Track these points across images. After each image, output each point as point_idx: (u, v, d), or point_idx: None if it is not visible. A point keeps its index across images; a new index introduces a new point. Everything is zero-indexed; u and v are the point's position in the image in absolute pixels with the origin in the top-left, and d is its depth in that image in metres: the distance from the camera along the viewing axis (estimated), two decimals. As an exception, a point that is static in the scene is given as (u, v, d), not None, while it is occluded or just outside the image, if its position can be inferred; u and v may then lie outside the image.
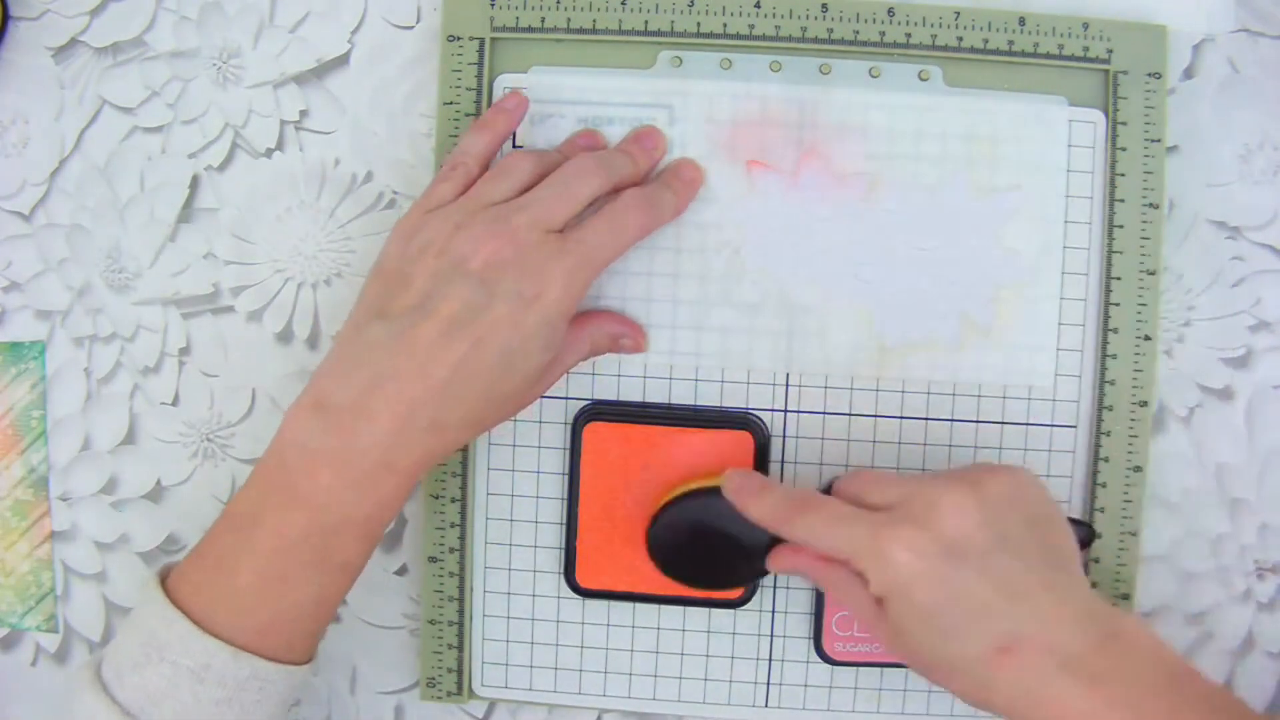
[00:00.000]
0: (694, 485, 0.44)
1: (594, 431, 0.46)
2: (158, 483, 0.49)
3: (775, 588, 0.47)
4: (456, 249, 0.40)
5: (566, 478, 0.47)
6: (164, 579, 0.40)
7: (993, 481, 0.38)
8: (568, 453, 0.47)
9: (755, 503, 0.41)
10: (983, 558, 0.37)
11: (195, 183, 0.48)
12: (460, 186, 0.43)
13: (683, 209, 0.45)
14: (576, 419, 0.46)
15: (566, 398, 0.47)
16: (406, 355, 0.38)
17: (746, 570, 0.43)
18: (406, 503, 0.48)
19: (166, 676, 0.38)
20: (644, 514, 0.45)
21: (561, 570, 0.47)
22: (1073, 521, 0.44)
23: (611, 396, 0.47)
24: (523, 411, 0.47)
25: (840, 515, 0.38)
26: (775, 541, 0.42)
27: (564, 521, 0.47)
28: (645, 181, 0.45)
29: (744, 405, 0.46)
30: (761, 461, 0.46)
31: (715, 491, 0.42)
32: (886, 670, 0.47)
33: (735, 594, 0.46)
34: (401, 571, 0.49)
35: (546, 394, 0.47)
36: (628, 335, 0.46)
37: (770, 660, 0.47)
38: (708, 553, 0.44)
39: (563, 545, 0.47)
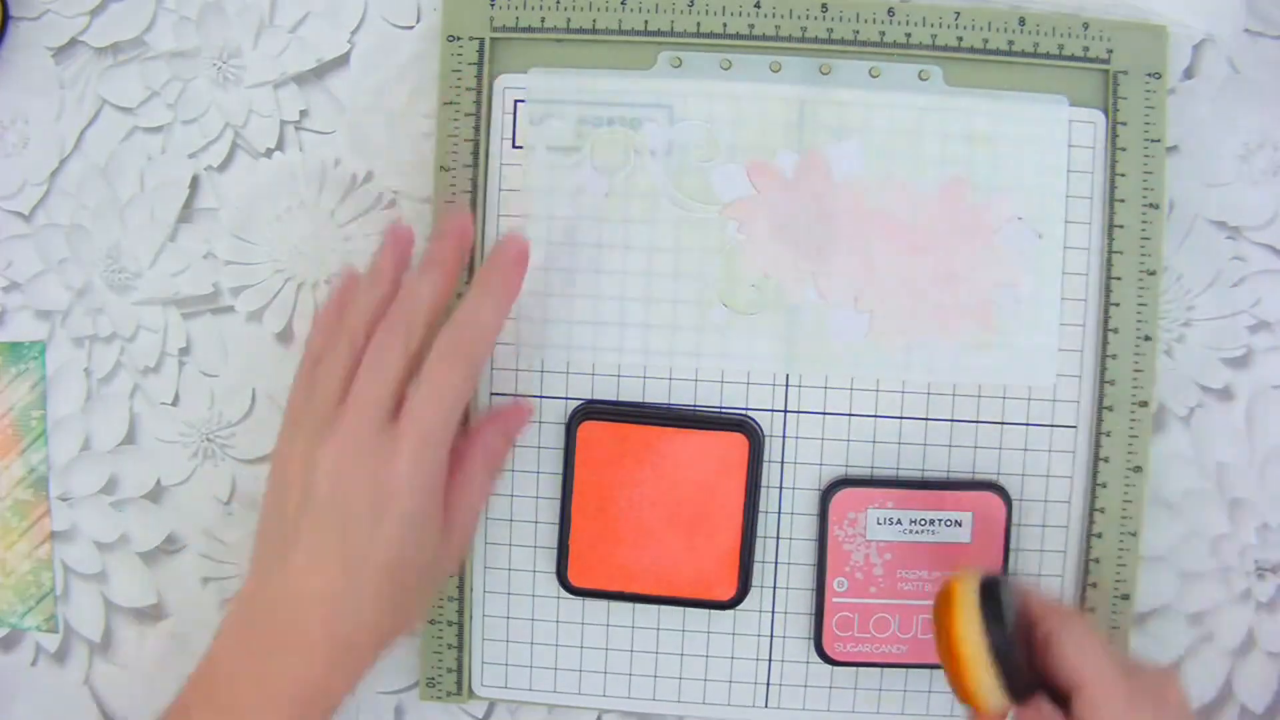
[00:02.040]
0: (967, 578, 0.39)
1: (588, 430, 0.46)
2: (158, 483, 0.49)
3: (775, 588, 0.47)
4: (307, 476, 0.39)
5: (561, 476, 0.47)
6: None
7: (1176, 691, 0.39)
8: (564, 452, 0.47)
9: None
10: None
11: (195, 183, 0.48)
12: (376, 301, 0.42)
13: (514, 295, 0.42)
14: (571, 417, 0.46)
15: (566, 398, 0.47)
16: (301, 591, 0.39)
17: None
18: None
19: None
20: (637, 513, 0.45)
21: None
22: (999, 581, 0.40)
23: (611, 396, 0.47)
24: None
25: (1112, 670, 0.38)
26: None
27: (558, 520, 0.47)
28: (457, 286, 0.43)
29: (743, 405, 0.46)
30: (755, 464, 0.46)
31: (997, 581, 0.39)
32: (886, 670, 0.47)
33: (727, 595, 0.46)
34: (401, 571, 0.49)
35: (546, 394, 0.47)
36: (513, 419, 0.46)
37: (770, 660, 0.47)
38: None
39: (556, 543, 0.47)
